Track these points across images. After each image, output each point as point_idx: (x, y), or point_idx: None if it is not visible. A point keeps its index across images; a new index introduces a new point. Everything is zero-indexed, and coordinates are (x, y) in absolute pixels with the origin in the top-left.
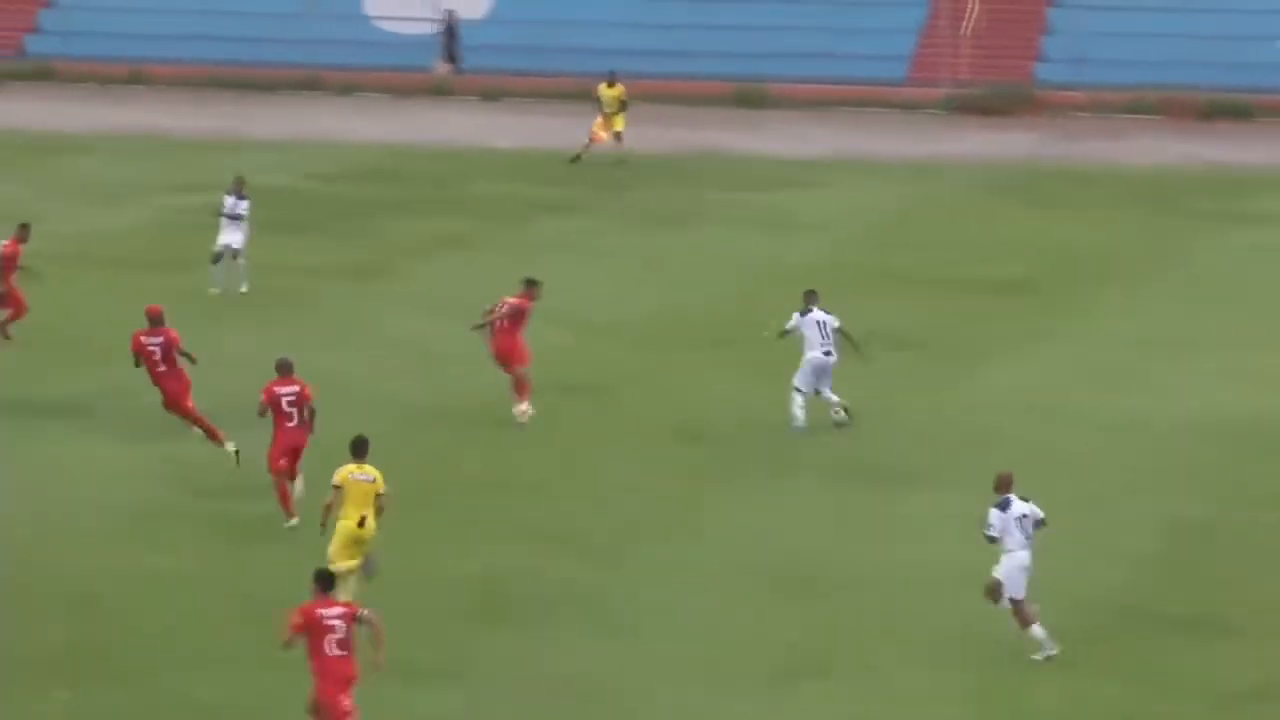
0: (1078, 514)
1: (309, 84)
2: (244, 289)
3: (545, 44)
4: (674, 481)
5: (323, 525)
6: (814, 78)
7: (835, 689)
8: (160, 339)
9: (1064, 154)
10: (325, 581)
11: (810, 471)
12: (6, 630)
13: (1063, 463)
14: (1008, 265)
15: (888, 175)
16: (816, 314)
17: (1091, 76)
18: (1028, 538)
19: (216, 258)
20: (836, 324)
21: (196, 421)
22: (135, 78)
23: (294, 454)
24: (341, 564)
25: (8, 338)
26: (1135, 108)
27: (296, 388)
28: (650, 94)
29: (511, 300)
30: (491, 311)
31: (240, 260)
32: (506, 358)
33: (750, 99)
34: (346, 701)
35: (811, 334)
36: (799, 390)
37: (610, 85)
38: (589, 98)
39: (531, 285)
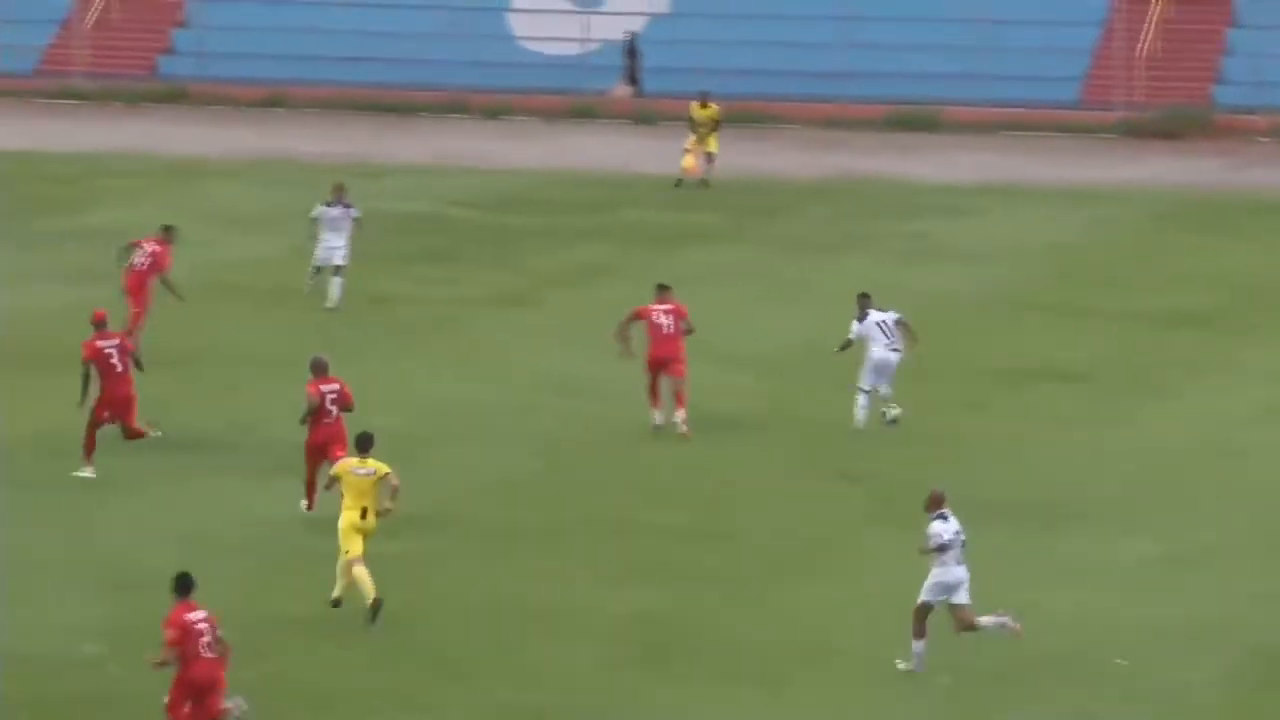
0: (1255, 556)
1: (453, 107)
2: (329, 305)
3: (696, 66)
4: (827, 521)
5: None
6: (978, 100)
7: None
8: (116, 343)
9: (1243, 180)
10: (185, 587)
11: (969, 509)
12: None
13: (1240, 502)
14: (1181, 296)
15: (1056, 202)
16: (875, 315)
17: (1272, 100)
18: (961, 555)
19: (316, 270)
20: (896, 317)
21: (133, 434)
22: (273, 100)
23: (332, 449)
24: (354, 551)
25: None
26: None
27: (337, 385)
28: (801, 117)
29: (657, 307)
30: (627, 322)
31: (339, 278)
32: (673, 363)
33: (909, 122)
34: (220, 703)
35: (876, 335)
36: (863, 390)
37: (703, 106)
38: (740, 120)
39: (664, 289)
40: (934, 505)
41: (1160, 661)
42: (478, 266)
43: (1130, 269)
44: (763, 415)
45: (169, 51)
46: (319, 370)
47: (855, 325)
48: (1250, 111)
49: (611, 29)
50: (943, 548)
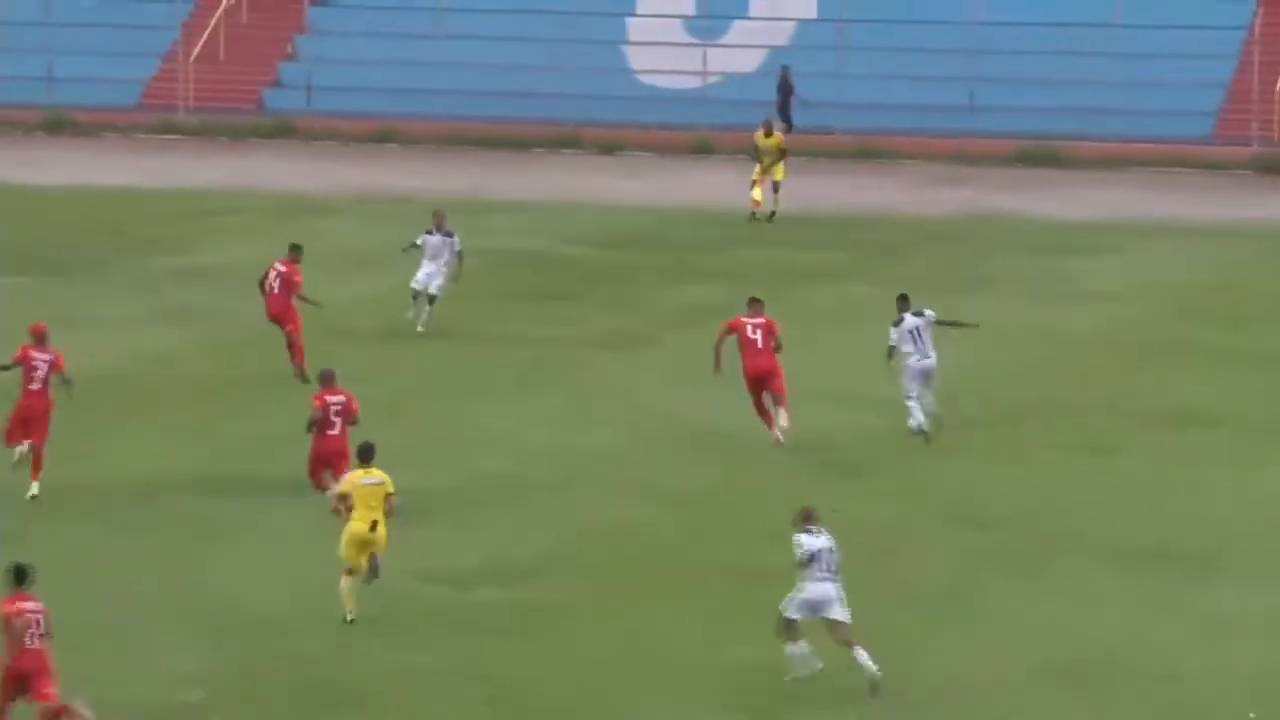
0: None
1: (567, 142)
2: (421, 328)
3: (817, 100)
4: (956, 567)
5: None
6: (1107, 135)
7: None
8: (49, 357)
9: None
10: (20, 578)
11: (1100, 556)
12: None
13: None
14: None
15: (1189, 240)
16: (909, 321)
17: None
18: (830, 570)
19: (415, 295)
20: (932, 319)
21: (38, 453)
22: (382, 135)
23: (336, 462)
24: (353, 563)
25: (304, 379)
26: None
27: (343, 398)
28: (925, 152)
29: (749, 320)
30: (722, 337)
31: (431, 307)
32: (772, 377)
33: (1035, 158)
34: (52, 689)
35: (907, 346)
36: (910, 398)
37: (768, 134)
38: (862, 155)
39: (756, 303)
40: (803, 519)
41: None
42: (592, 306)
43: (1265, 309)
44: (885, 458)
45: (276, 85)
46: (326, 381)
47: (892, 331)
48: None
49: (730, 62)
50: (810, 559)
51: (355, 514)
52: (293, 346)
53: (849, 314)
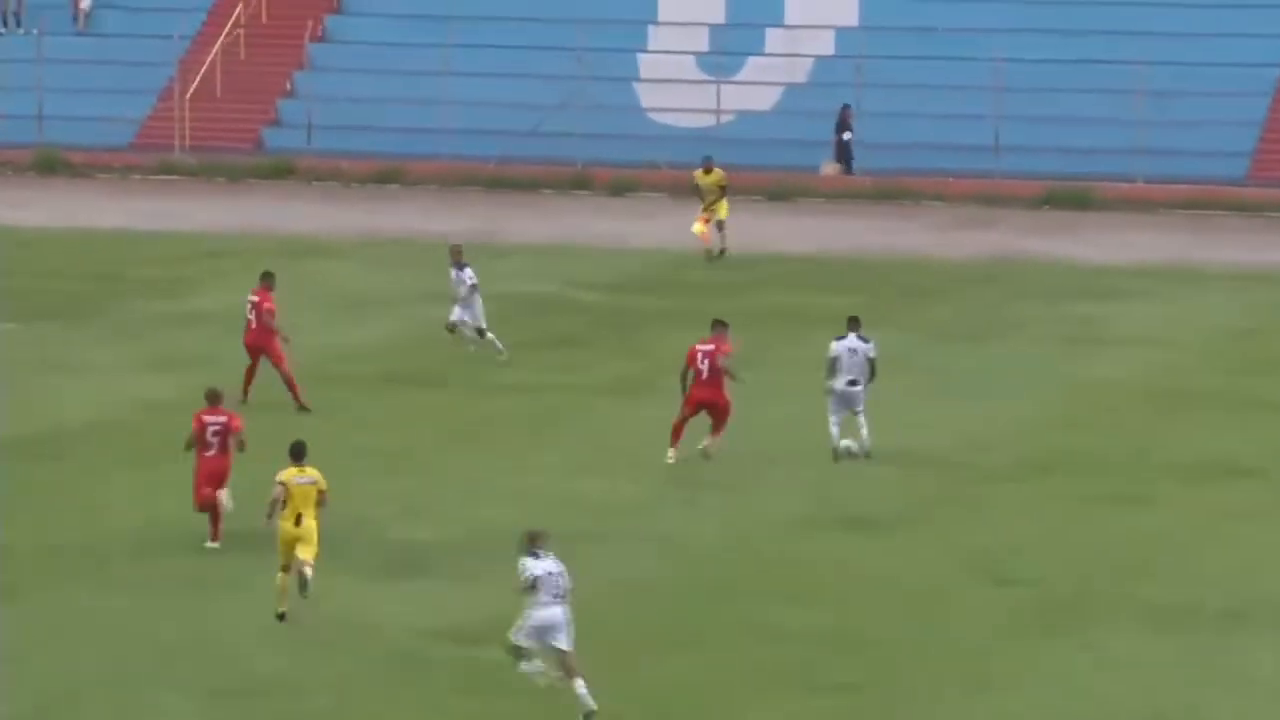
0: None
1: (577, 183)
2: (502, 358)
3: (832, 138)
4: (982, 627)
5: (268, 518)
6: (1138, 176)
7: None
8: None
9: None
10: None
11: (1131, 614)
12: None
13: None
14: None
15: (1223, 285)
16: (848, 342)
17: None
18: (557, 595)
19: (452, 327)
20: (872, 353)
21: None
22: (385, 176)
23: (216, 483)
24: (287, 559)
25: (304, 408)
26: None
27: (223, 418)
28: (951, 193)
29: (704, 348)
30: (687, 369)
31: (488, 334)
32: (715, 402)
33: (1065, 199)
34: None
35: (838, 365)
36: (832, 418)
37: (707, 171)
38: (885, 196)
39: (721, 325)
40: (529, 542)
41: None
42: (602, 352)
43: None
44: (907, 512)
45: (275, 124)
46: (212, 400)
47: (833, 344)
48: None
49: (745, 100)
50: (533, 585)
51: (285, 511)
52: (285, 382)
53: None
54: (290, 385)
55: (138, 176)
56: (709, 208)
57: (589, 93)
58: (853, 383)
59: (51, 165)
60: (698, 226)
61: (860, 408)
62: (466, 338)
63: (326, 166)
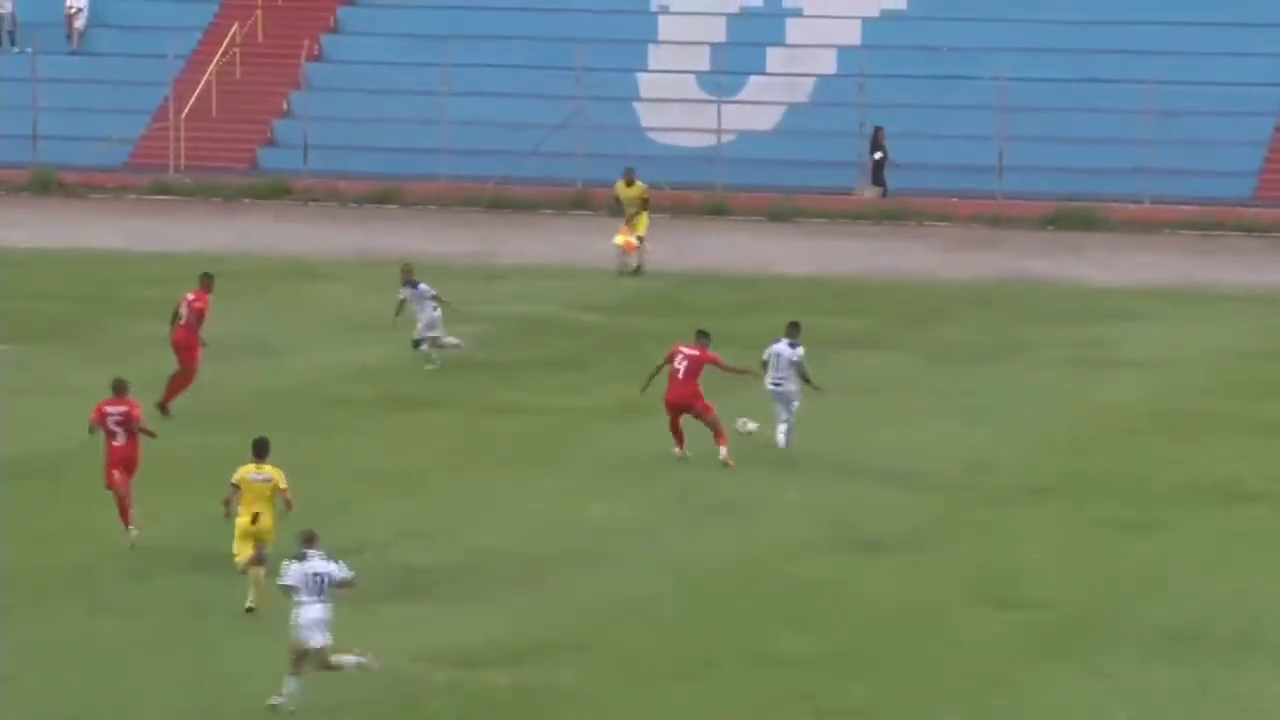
0: None
1: (577, 203)
2: (432, 366)
3: (836, 160)
4: (989, 651)
5: (226, 516)
6: (1144, 196)
7: None
8: None
9: None
10: None
11: (1136, 638)
12: None
13: None
14: None
15: (1230, 306)
16: (780, 345)
17: None
18: (320, 594)
19: (416, 344)
20: (796, 358)
21: None
22: (382, 196)
23: (126, 469)
24: (242, 557)
25: (165, 412)
26: None
27: (125, 408)
28: (955, 214)
29: (687, 350)
30: (663, 365)
31: (445, 343)
32: (691, 404)
33: (1070, 220)
34: None
35: (770, 365)
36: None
37: (629, 184)
38: (888, 217)
39: (703, 336)
40: (302, 542)
41: None
42: (602, 374)
43: None
44: (913, 534)
45: (271, 144)
46: (116, 391)
47: (771, 346)
48: None
49: (746, 119)
50: (289, 589)
51: (241, 508)
52: (180, 377)
53: (874, 384)
54: (179, 386)
55: (132, 196)
56: (629, 220)
57: (589, 112)
58: (778, 383)
59: (46, 185)
60: (619, 238)
61: (791, 406)
62: (441, 350)
63: (323, 187)
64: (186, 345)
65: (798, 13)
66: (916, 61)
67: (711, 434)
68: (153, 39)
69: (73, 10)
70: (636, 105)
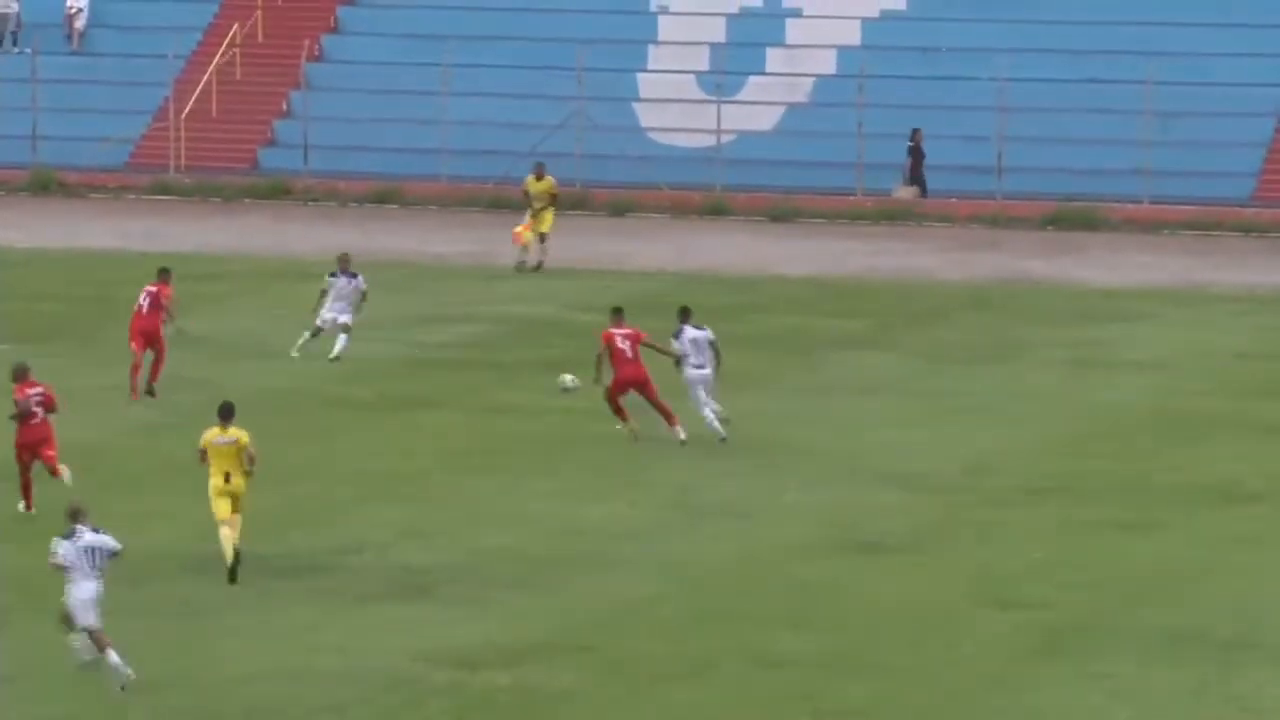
0: None
1: (576, 203)
2: (334, 356)
3: (836, 160)
4: (988, 652)
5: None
6: (1144, 197)
7: None
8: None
9: None
10: None
11: (1136, 639)
12: None
13: None
14: None
15: (1229, 307)
16: (690, 332)
17: None
18: (95, 569)
19: (316, 331)
20: (708, 337)
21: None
22: (382, 196)
23: (40, 448)
24: (222, 515)
25: (153, 394)
26: None
27: (41, 389)
28: (954, 214)
29: (622, 331)
30: (604, 351)
31: (345, 335)
32: (645, 384)
33: (1070, 221)
34: None
35: (687, 353)
36: (703, 407)
37: (539, 178)
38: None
39: (617, 313)
40: (70, 518)
41: None
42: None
43: None
44: (913, 536)
45: (271, 144)
46: (20, 376)
47: (673, 342)
48: None
49: (746, 120)
50: (60, 568)
51: (212, 469)
52: (155, 364)
53: (872, 385)
54: (152, 371)
55: (132, 197)
56: (535, 215)
57: (588, 113)
58: (699, 365)
59: (46, 185)
60: (519, 230)
61: (712, 389)
62: (321, 334)
63: (323, 187)
64: (154, 331)
65: (797, 13)
66: (916, 62)
67: (662, 418)
68: (153, 39)
69: (73, 10)
70: (636, 105)
